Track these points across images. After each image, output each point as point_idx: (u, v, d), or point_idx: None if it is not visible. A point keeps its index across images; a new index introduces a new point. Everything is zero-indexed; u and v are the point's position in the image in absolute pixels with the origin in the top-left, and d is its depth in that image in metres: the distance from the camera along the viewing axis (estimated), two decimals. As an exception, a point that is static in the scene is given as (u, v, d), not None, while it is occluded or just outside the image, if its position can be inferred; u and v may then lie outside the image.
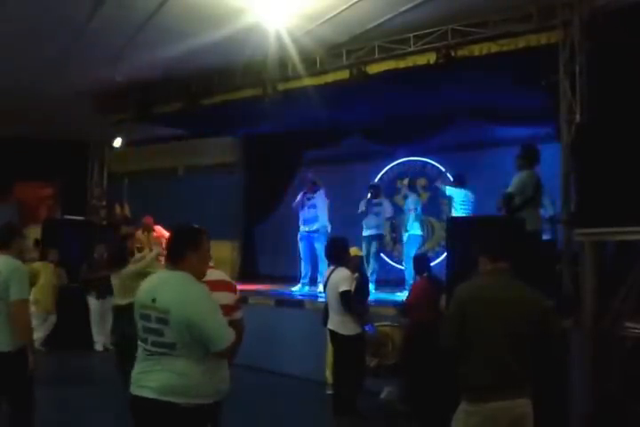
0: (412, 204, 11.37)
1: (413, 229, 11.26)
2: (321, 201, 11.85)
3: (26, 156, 15.24)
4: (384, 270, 12.13)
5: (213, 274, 4.40)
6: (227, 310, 4.10)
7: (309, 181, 12.08)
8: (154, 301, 3.67)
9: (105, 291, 11.19)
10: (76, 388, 9.06)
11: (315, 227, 11.76)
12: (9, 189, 16.19)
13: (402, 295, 10.73)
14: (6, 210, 14.92)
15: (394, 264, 12.93)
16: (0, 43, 10.03)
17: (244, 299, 11.38)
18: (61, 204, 16.40)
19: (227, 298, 4.33)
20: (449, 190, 10.87)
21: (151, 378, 3.67)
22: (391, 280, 12.05)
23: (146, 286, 3.87)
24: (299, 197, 12.01)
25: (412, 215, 11.24)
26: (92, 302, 11.70)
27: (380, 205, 11.76)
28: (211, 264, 4.27)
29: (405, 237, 11.33)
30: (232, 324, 3.96)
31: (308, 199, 11.94)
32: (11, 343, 5.21)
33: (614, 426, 6.58)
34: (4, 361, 5.19)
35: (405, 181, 11.92)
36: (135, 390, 3.72)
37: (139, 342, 3.79)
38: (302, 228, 11.95)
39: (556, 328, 4.34)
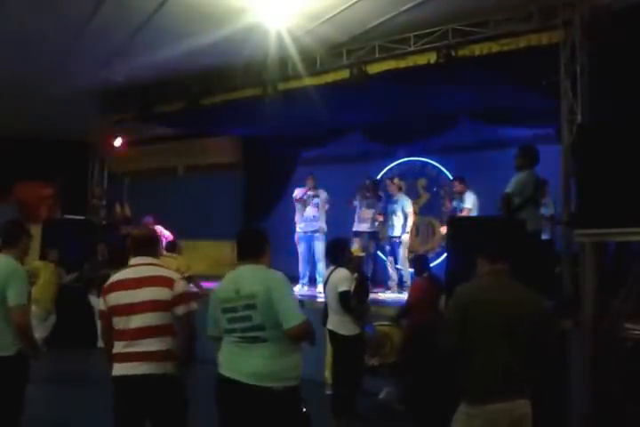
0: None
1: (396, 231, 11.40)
2: (323, 201, 11.86)
3: (26, 155, 15.27)
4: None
5: (158, 271, 4.55)
6: (163, 305, 4.37)
7: (316, 179, 12.08)
8: (237, 292, 4.20)
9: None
10: (77, 386, 9.06)
11: (315, 227, 11.75)
12: (9, 188, 16.19)
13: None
14: (6, 210, 14.89)
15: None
16: (0, 43, 10.03)
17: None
18: (62, 203, 16.39)
19: (162, 294, 4.39)
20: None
21: (245, 363, 4.13)
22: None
23: (224, 282, 4.37)
24: (301, 191, 11.97)
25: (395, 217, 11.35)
26: (94, 301, 11.70)
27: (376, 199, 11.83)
28: (153, 261, 4.62)
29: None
30: (178, 319, 4.38)
31: (312, 197, 11.94)
32: (9, 347, 5.09)
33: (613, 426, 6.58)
34: (2, 365, 5.08)
35: (396, 181, 11.93)
36: (226, 371, 4.18)
37: (225, 335, 4.26)
38: (301, 227, 11.92)
39: (554, 329, 4.34)
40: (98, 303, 12.08)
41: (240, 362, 4.14)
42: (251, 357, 4.12)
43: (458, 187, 10.81)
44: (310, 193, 11.91)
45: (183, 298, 4.42)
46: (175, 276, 4.56)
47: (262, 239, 4.53)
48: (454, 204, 10.87)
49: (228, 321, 4.21)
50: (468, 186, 10.60)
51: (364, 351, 7.43)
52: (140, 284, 4.42)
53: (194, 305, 4.47)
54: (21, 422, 5.23)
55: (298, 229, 11.98)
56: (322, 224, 11.74)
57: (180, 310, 4.37)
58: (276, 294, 4.14)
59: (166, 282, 4.43)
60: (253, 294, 4.14)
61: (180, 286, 4.45)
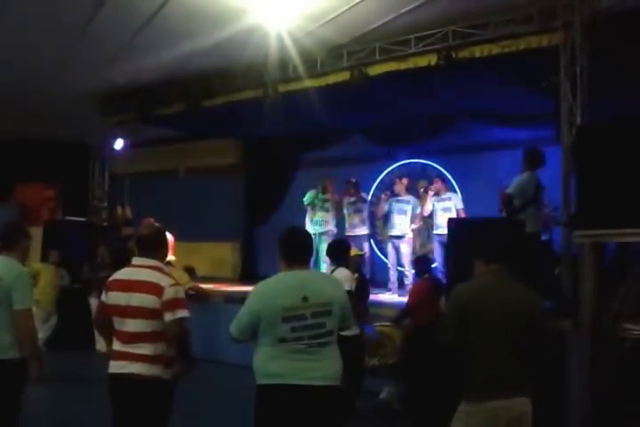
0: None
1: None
2: (331, 204, 11.92)
3: (27, 157, 15.28)
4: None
5: (153, 276, 4.46)
6: (152, 313, 4.34)
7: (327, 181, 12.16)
8: (306, 299, 3.99)
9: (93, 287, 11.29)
10: (76, 387, 9.09)
11: (324, 229, 11.81)
12: (10, 190, 16.19)
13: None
14: (7, 211, 14.90)
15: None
16: (1, 45, 10.04)
17: (244, 300, 11.43)
18: (62, 205, 16.41)
19: (149, 301, 4.35)
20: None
21: (320, 367, 4.03)
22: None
23: (283, 289, 4.09)
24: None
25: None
26: (94, 303, 11.73)
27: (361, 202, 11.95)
28: (153, 264, 4.55)
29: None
30: (165, 326, 4.31)
31: (324, 201, 11.99)
32: (11, 351, 5.06)
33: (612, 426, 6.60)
34: (5, 368, 5.06)
35: (404, 181, 12.01)
36: (304, 381, 3.97)
37: (280, 344, 3.99)
38: (310, 229, 11.95)
39: (552, 328, 4.37)
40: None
41: (313, 367, 4.01)
42: (322, 360, 4.05)
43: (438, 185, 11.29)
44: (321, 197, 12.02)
45: (170, 305, 4.34)
46: (166, 282, 4.42)
47: (311, 243, 4.44)
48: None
49: (291, 330, 3.97)
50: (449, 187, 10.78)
51: (363, 352, 7.45)
52: (131, 288, 4.43)
53: (182, 312, 4.37)
54: (18, 423, 5.24)
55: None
56: (331, 227, 11.81)
57: (167, 316, 4.33)
58: (345, 302, 4.21)
59: (155, 289, 4.37)
60: (329, 301, 4.08)
61: (169, 293, 4.36)
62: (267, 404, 4.03)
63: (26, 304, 5.06)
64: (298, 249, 4.22)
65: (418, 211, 11.57)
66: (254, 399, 4.10)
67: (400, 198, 11.73)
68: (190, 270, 11.24)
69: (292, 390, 3.96)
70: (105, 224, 14.35)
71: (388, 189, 12.79)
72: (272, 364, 4.01)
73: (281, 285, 4.13)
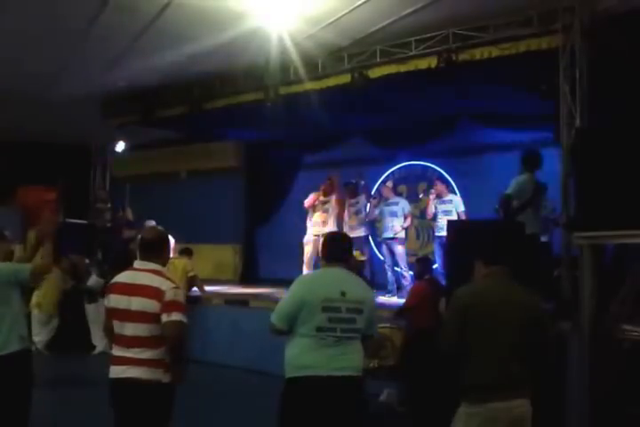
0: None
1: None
2: (332, 207, 11.93)
3: (28, 160, 15.29)
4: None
5: (154, 280, 4.48)
6: (152, 317, 4.36)
7: (328, 180, 12.16)
8: (344, 294, 4.34)
9: (94, 295, 11.32)
10: (78, 389, 9.10)
11: (324, 231, 11.82)
12: (12, 193, 16.20)
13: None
14: (9, 214, 14.91)
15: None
16: (2, 47, 10.07)
17: (244, 302, 11.48)
18: (64, 208, 16.41)
19: (150, 306, 4.38)
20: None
21: (348, 359, 4.33)
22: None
23: (324, 282, 4.49)
24: (311, 198, 12.07)
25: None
26: (87, 306, 11.78)
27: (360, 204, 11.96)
28: (154, 268, 4.57)
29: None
30: (162, 328, 4.35)
31: (323, 203, 12.00)
32: (17, 343, 5.21)
33: (612, 427, 6.63)
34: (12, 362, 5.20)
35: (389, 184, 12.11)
36: (332, 371, 4.26)
37: (314, 333, 4.29)
38: (311, 231, 11.98)
39: (552, 330, 4.39)
40: (90, 308, 12.08)
41: (342, 359, 4.30)
42: (350, 353, 4.34)
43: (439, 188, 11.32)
44: (321, 200, 12.02)
45: (167, 307, 4.36)
46: (167, 286, 4.44)
47: (350, 245, 4.85)
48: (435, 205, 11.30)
49: (328, 320, 4.29)
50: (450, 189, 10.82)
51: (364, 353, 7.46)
52: (132, 291, 4.45)
53: (178, 315, 4.37)
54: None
55: (308, 233, 12.07)
56: (331, 229, 11.83)
57: (162, 318, 4.34)
58: (375, 305, 4.66)
59: (156, 294, 4.39)
60: (362, 300, 4.43)
61: (168, 295, 4.39)
62: (300, 395, 4.31)
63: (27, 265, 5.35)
64: (334, 248, 4.64)
65: (407, 211, 11.67)
66: (284, 392, 4.37)
67: (389, 201, 11.82)
68: (188, 251, 11.28)
69: (326, 381, 4.25)
70: (108, 225, 14.32)
71: (376, 194, 12.88)
72: (307, 356, 4.31)
73: (323, 277, 4.60)
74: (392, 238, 11.58)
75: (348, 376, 4.30)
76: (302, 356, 4.31)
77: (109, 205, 14.55)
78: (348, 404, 4.30)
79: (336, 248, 4.65)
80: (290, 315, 4.36)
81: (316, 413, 4.23)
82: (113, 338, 4.61)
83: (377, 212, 11.85)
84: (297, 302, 4.34)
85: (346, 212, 12.00)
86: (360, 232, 11.71)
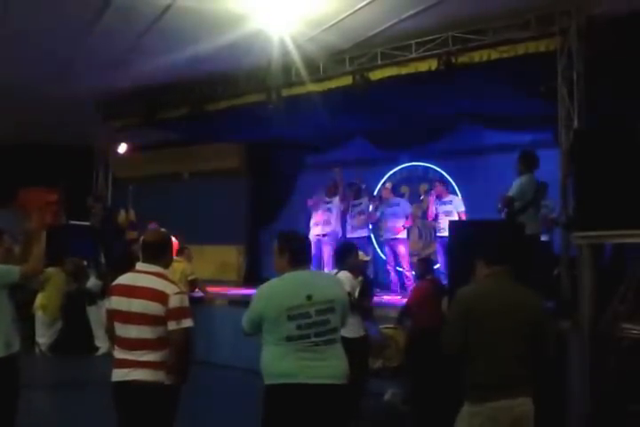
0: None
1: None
2: (336, 206, 11.97)
3: (30, 161, 15.32)
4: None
5: (156, 283, 4.49)
6: (155, 320, 4.38)
7: (333, 182, 12.20)
8: (309, 298, 4.16)
9: (94, 297, 11.38)
10: (81, 391, 9.14)
11: (326, 230, 11.87)
12: (13, 194, 16.23)
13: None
14: (11, 215, 14.95)
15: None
16: (4, 48, 10.13)
17: (248, 303, 11.46)
18: (66, 209, 16.44)
19: (153, 308, 4.39)
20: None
21: (327, 365, 4.17)
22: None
23: (286, 290, 4.26)
24: (315, 198, 12.12)
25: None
26: (89, 308, 11.83)
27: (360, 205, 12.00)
28: (157, 270, 4.57)
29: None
30: (169, 334, 4.36)
31: (326, 202, 12.04)
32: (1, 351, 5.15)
33: (612, 426, 6.67)
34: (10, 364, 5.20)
35: (388, 186, 12.17)
36: (308, 379, 4.08)
37: (287, 343, 4.12)
38: (314, 231, 12.03)
39: (552, 329, 4.44)
40: (91, 310, 12.09)
41: (320, 366, 4.14)
42: (329, 359, 4.19)
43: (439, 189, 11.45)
44: (324, 199, 12.07)
45: (174, 313, 4.37)
46: (171, 290, 4.45)
47: (311, 244, 4.79)
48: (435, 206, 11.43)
49: (297, 328, 4.11)
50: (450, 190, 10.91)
51: (368, 353, 7.52)
52: (134, 293, 4.45)
53: (187, 322, 4.41)
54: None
55: (311, 233, 12.12)
56: (334, 228, 11.89)
57: (171, 325, 4.36)
58: (346, 298, 4.51)
59: (159, 296, 4.39)
60: (333, 298, 4.26)
61: (175, 301, 4.39)
62: (275, 404, 4.14)
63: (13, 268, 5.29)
64: (296, 253, 4.40)
65: (408, 211, 11.76)
66: (263, 399, 4.18)
67: (389, 202, 11.91)
68: (183, 252, 11.25)
69: (300, 390, 4.07)
70: (105, 227, 14.24)
71: (376, 196, 12.93)
72: (279, 363, 4.13)
73: (285, 285, 4.31)
74: (394, 239, 11.65)
75: (328, 385, 4.13)
76: (276, 363, 4.15)
77: (102, 206, 14.49)
78: (327, 412, 4.14)
79: (299, 250, 4.43)
80: (253, 323, 4.26)
81: (295, 420, 4.09)
82: (111, 338, 4.65)
83: (378, 213, 11.92)
84: (257, 314, 4.22)
85: (349, 212, 12.05)
86: (363, 233, 11.77)
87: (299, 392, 4.08)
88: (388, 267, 11.82)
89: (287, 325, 4.10)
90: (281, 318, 4.11)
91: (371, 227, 12.20)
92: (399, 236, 11.64)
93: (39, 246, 5.41)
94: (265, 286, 4.33)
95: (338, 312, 4.25)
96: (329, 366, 4.17)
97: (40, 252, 5.39)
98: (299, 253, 4.41)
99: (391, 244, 11.72)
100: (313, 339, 4.13)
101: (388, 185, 12.37)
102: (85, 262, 12.59)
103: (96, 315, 11.46)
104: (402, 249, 11.61)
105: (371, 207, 12.09)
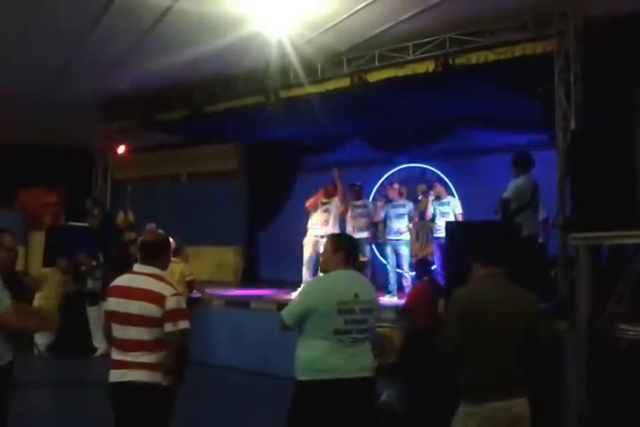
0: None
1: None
2: (335, 207, 11.95)
3: (30, 162, 15.29)
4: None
5: (154, 285, 4.48)
6: (153, 321, 4.37)
7: (331, 183, 12.18)
8: (357, 296, 4.44)
9: (95, 297, 11.38)
10: (79, 392, 9.09)
11: (324, 231, 11.84)
12: (13, 195, 16.23)
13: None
14: (11, 217, 14.96)
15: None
16: (4, 51, 10.12)
17: (245, 304, 11.50)
18: (66, 210, 16.44)
19: (150, 310, 4.38)
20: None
21: (362, 360, 4.45)
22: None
23: (339, 285, 4.52)
24: (313, 198, 12.10)
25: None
26: (89, 309, 11.84)
27: (364, 206, 11.98)
28: (154, 272, 4.56)
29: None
30: (166, 336, 4.35)
31: (323, 203, 12.04)
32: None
33: None
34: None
35: (396, 186, 12.16)
36: (351, 373, 4.36)
37: (330, 335, 4.35)
38: (312, 231, 12.01)
39: (549, 330, 4.45)
40: (90, 311, 12.07)
41: (355, 361, 4.39)
42: (363, 353, 4.47)
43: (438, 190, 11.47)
44: (321, 200, 12.05)
45: (172, 315, 4.36)
46: (168, 292, 4.43)
47: (357, 248, 5.07)
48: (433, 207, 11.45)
49: (344, 322, 4.36)
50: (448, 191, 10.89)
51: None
52: (131, 295, 4.44)
53: (184, 324, 4.39)
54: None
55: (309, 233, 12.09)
56: (332, 230, 11.87)
57: (167, 327, 4.35)
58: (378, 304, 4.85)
59: (156, 298, 4.38)
60: (372, 300, 4.59)
61: (172, 303, 4.38)
62: (322, 399, 4.35)
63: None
64: (347, 252, 4.64)
65: (414, 213, 11.75)
66: (301, 396, 4.40)
67: (395, 203, 11.82)
68: (178, 252, 11.19)
69: (344, 384, 4.33)
70: (97, 227, 14.19)
71: (382, 195, 12.90)
72: (326, 359, 4.35)
73: (336, 281, 4.56)
74: (398, 240, 11.64)
75: (364, 378, 4.42)
76: (323, 359, 4.34)
77: (100, 209, 14.47)
78: (364, 404, 4.43)
79: (352, 251, 4.72)
80: (299, 316, 4.42)
81: (334, 415, 4.28)
82: (108, 339, 4.65)
83: (382, 213, 11.89)
84: (308, 307, 4.40)
85: (349, 213, 12.03)
86: (363, 234, 11.76)
87: (345, 386, 4.33)
88: (388, 268, 11.80)
89: (337, 318, 4.34)
90: (332, 312, 4.33)
91: (371, 228, 12.17)
92: (403, 237, 11.62)
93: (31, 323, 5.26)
94: (315, 281, 4.77)
95: (373, 315, 4.57)
96: (363, 361, 4.46)
97: (26, 323, 5.10)
98: (352, 253, 4.70)
99: (394, 244, 11.69)
100: (355, 335, 4.39)
101: (396, 186, 12.23)
102: (94, 262, 12.55)
103: (96, 316, 11.46)
104: (405, 250, 11.58)
105: (378, 205, 12.03)
